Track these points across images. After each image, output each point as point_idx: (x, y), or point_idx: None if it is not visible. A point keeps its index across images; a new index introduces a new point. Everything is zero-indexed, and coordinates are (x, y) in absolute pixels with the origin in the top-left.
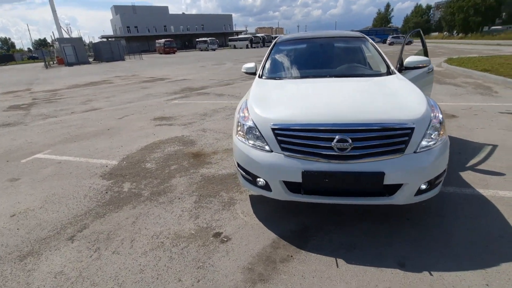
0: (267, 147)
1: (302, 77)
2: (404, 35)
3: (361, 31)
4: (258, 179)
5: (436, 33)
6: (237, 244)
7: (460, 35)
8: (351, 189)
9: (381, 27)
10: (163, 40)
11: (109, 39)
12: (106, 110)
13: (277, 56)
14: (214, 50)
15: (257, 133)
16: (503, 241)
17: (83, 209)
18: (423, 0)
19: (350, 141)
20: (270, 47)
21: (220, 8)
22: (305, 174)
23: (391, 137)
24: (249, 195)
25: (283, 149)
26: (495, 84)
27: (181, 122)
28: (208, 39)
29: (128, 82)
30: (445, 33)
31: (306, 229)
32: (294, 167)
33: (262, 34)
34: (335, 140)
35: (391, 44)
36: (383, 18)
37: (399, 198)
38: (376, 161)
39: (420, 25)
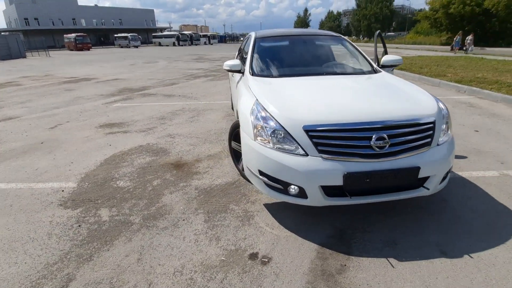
0: (300, 151)
1: (299, 75)
2: None
3: None
4: (291, 187)
5: (346, 37)
6: (281, 263)
7: (365, 39)
8: (389, 186)
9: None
10: (73, 35)
11: (3, 33)
12: (27, 118)
13: (262, 53)
14: (136, 47)
15: (286, 136)
16: (503, 216)
17: (55, 254)
18: (333, 6)
19: (387, 138)
20: (251, 43)
21: (139, 2)
22: (347, 176)
23: (420, 132)
24: (264, 204)
25: (320, 151)
26: (414, 80)
27: (138, 129)
28: (129, 35)
29: (43, 84)
30: (353, 37)
31: (342, 232)
32: (335, 170)
33: (189, 32)
34: (374, 139)
35: None
36: (303, 21)
37: (431, 189)
38: (410, 156)
39: (333, 29)
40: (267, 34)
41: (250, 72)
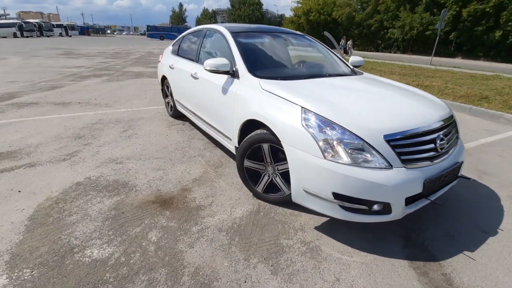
0: (383, 164)
1: (310, 76)
2: None
3: (163, 27)
4: (374, 205)
5: None
6: None
7: None
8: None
9: (180, 25)
10: None
11: None
12: None
13: (251, 52)
14: None
15: (365, 149)
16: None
17: None
18: (205, 4)
19: (446, 138)
20: (229, 40)
21: None
22: (427, 182)
23: (454, 126)
24: (315, 228)
25: (403, 161)
26: None
27: (50, 157)
28: None
29: None
30: None
31: (410, 238)
32: (417, 178)
33: (37, 20)
34: (438, 140)
35: None
36: (179, 17)
37: (464, 175)
38: (455, 152)
39: None
40: (238, 30)
41: (252, 74)
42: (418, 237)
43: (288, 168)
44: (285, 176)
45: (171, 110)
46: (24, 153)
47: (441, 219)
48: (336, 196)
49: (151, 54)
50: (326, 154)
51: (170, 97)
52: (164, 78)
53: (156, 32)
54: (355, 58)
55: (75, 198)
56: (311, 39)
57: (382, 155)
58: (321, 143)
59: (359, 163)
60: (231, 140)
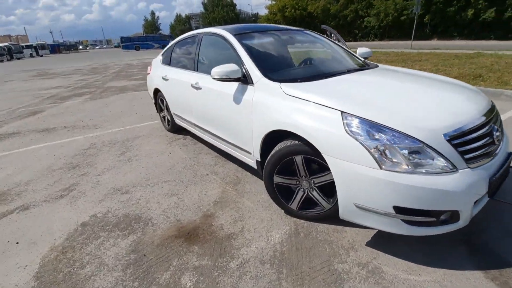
0: (447, 167)
1: (329, 75)
2: None
3: (138, 37)
4: (442, 215)
5: None
6: None
7: None
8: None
9: (155, 34)
10: None
11: None
12: None
13: (260, 53)
14: None
15: (426, 153)
16: None
17: None
18: (177, 10)
19: (500, 128)
20: (233, 43)
21: None
22: (492, 180)
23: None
24: (366, 245)
25: (467, 161)
26: None
27: (46, 195)
28: None
29: None
30: None
31: (469, 242)
32: (483, 178)
33: (6, 44)
34: (494, 132)
35: None
36: (152, 25)
37: None
38: (504, 143)
39: (185, 31)
40: (240, 31)
41: (268, 78)
42: (479, 240)
43: (327, 180)
44: (323, 189)
45: (168, 125)
46: (14, 193)
47: (492, 215)
48: (399, 210)
49: (130, 66)
50: (381, 164)
51: (166, 110)
52: (157, 91)
53: (131, 43)
54: (362, 49)
55: (84, 243)
56: (314, 33)
57: (445, 157)
58: (373, 151)
59: (421, 169)
60: (250, 153)
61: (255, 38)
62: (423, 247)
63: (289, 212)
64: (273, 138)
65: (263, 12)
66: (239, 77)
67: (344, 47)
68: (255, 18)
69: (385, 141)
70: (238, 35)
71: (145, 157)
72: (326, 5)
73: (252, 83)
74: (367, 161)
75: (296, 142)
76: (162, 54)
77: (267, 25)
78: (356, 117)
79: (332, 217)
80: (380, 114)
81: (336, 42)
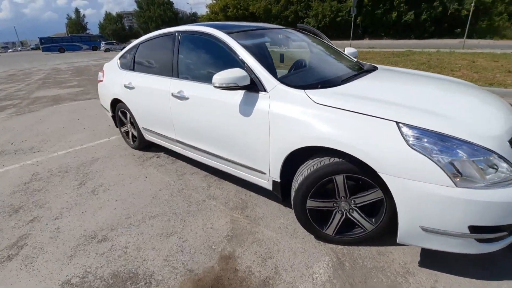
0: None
1: (346, 79)
2: (117, 42)
3: (61, 38)
4: None
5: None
6: None
7: None
8: None
9: (83, 34)
10: None
11: None
12: None
13: (265, 56)
14: None
15: (497, 163)
16: None
17: None
18: (105, 8)
19: None
20: (232, 44)
21: None
22: None
23: None
24: (419, 266)
25: None
26: None
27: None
28: None
29: None
30: None
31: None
32: None
33: None
34: None
35: (107, 51)
36: (77, 24)
37: None
38: None
39: (118, 32)
40: (233, 29)
41: (286, 84)
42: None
43: (372, 199)
44: (364, 209)
45: (134, 141)
46: None
47: None
48: (474, 229)
49: (58, 71)
50: (456, 180)
51: (130, 125)
52: (116, 102)
53: (53, 45)
54: (350, 49)
55: None
56: (302, 33)
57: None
58: (446, 167)
59: (496, 182)
60: (263, 173)
61: (251, 38)
62: (483, 263)
63: (322, 238)
64: (293, 154)
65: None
66: (248, 84)
67: (335, 48)
68: (194, 17)
69: (459, 155)
70: (233, 34)
71: (114, 185)
72: (267, 6)
73: (265, 90)
74: (438, 178)
75: (337, 159)
76: (121, 58)
77: (249, 23)
78: (417, 128)
79: (370, 238)
80: (442, 124)
81: (327, 42)
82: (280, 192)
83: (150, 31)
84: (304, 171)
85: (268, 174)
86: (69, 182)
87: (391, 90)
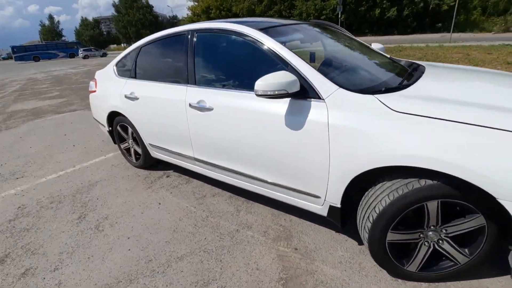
0: None
1: (406, 79)
2: (95, 48)
3: (35, 46)
4: None
5: (115, 45)
6: None
7: None
8: None
9: (58, 41)
10: None
11: None
12: None
13: (298, 54)
14: None
15: None
16: None
17: None
18: (80, 13)
19: None
20: (269, 43)
21: None
22: None
23: None
24: None
25: None
26: None
27: None
28: None
29: None
30: (123, 45)
31: None
32: None
33: None
34: None
35: (86, 57)
36: (52, 31)
37: None
38: None
39: (95, 37)
40: (264, 25)
41: (352, 90)
42: None
43: (472, 227)
44: (458, 238)
45: (137, 159)
46: None
47: None
48: None
49: (35, 81)
50: None
51: (132, 141)
52: (114, 115)
53: (27, 53)
54: (377, 45)
55: None
56: (322, 27)
57: None
58: None
59: None
60: (317, 197)
61: (285, 35)
62: None
63: (402, 275)
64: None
65: (182, 14)
66: (296, 92)
67: (365, 44)
68: (175, 20)
69: None
70: (266, 30)
71: (122, 217)
72: (250, 6)
73: (320, 97)
74: None
75: (431, 182)
76: (118, 64)
77: (276, 19)
78: None
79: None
80: None
81: (353, 37)
82: (340, 219)
83: (130, 36)
84: (382, 197)
85: (324, 198)
86: (66, 216)
87: (471, 91)
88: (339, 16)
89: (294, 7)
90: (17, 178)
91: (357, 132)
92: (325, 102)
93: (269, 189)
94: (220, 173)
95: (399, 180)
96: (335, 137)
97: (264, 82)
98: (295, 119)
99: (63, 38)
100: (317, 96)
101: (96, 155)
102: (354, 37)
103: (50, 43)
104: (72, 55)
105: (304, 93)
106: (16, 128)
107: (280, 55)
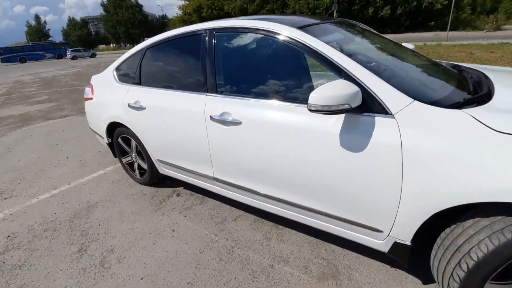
0: None
1: (476, 88)
2: (84, 48)
3: (22, 47)
4: None
5: (104, 45)
6: None
7: (129, 45)
8: None
9: (45, 41)
10: None
11: None
12: None
13: (360, 57)
14: None
15: None
16: None
17: None
18: (68, 13)
19: None
20: (316, 42)
21: None
22: None
23: None
24: None
25: None
26: None
27: None
28: None
29: None
30: (112, 45)
31: None
32: None
33: None
34: None
35: (74, 58)
36: (39, 31)
37: None
38: None
39: (83, 37)
40: (303, 22)
41: (432, 103)
42: None
43: None
44: None
45: (142, 175)
46: None
47: None
48: None
49: (22, 84)
50: None
51: (136, 155)
52: (115, 126)
53: (13, 55)
54: (409, 45)
55: None
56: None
57: None
58: None
59: None
60: (379, 231)
61: (329, 34)
62: None
63: None
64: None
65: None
66: (359, 104)
67: (399, 43)
68: (165, 19)
69: None
70: (305, 29)
71: (131, 249)
72: (243, 5)
73: (388, 112)
74: None
75: None
76: (118, 68)
77: (301, 17)
78: None
79: None
80: None
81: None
82: (407, 258)
83: (119, 36)
84: (480, 239)
85: (387, 234)
86: (63, 248)
87: None
88: (334, 14)
89: (287, 6)
90: (5, 199)
91: (444, 158)
92: (394, 118)
93: (314, 218)
94: (247, 196)
95: (500, 218)
96: (412, 163)
97: (321, 95)
98: (354, 139)
99: (50, 39)
100: (383, 110)
101: (94, 169)
102: (388, 37)
103: (37, 44)
104: (60, 56)
105: (366, 107)
106: (3, 137)
107: (331, 59)
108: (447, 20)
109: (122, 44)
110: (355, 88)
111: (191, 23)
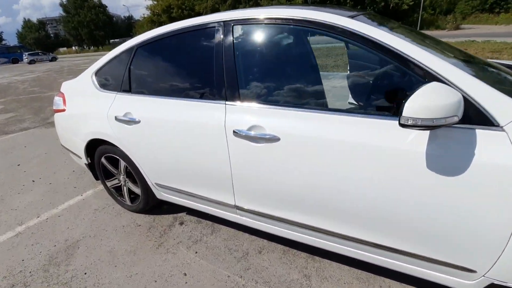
0: None
1: None
2: (43, 52)
3: None
4: None
5: (65, 48)
6: None
7: (93, 48)
8: None
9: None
10: None
11: None
12: None
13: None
14: None
15: None
16: None
17: None
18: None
19: None
20: (385, 35)
21: None
22: None
23: None
24: None
25: None
26: None
27: None
28: None
29: None
30: (75, 47)
31: None
32: None
33: None
34: None
35: (32, 62)
36: None
37: None
38: None
39: (42, 40)
40: (348, 12)
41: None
42: None
43: None
44: None
45: (133, 201)
46: None
47: None
48: None
49: None
50: None
51: (125, 177)
52: (97, 143)
53: None
54: None
55: None
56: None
57: None
58: None
59: None
60: (470, 271)
61: (382, 27)
62: None
63: None
64: None
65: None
66: (460, 116)
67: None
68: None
69: None
70: (359, 18)
71: None
72: (214, 5)
73: (494, 124)
74: None
75: None
76: (99, 72)
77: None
78: None
79: None
80: None
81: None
82: None
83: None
84: None
85: (483, 274)
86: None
87: None
88: None
89: (260, 6)
90: None
91: None
92: (505, 131)
93: (379, 255)
94: (282, 227)
95: None
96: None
97: (423, 105)
98: (446, 159)
99: (3, 42)
100: (488, 121)
101: (69, 194)
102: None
103: None
104: (16, 60)
105: (465, 118)
106: None
107: (411, 59)
108: (412, 20)
109: (85, 47)
110: (458, 95)
111: (160, 24)
